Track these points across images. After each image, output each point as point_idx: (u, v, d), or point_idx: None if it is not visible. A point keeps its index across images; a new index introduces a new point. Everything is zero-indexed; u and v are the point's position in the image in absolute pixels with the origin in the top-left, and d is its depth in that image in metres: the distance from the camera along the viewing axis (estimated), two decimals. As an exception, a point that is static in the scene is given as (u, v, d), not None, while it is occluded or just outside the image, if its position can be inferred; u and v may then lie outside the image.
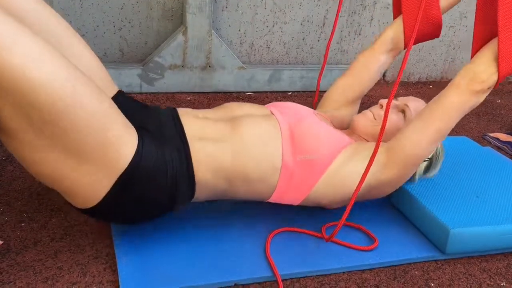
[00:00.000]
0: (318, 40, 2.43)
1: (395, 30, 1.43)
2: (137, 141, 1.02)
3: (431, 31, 1.39)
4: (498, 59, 1.11)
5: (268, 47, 2.36)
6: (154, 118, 1.17)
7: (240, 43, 2.31)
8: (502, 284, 1.21)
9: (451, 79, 2.84)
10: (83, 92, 0.92)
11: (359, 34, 2.50)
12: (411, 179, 1.34)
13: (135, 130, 1.04)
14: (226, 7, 2.21)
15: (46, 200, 1.32)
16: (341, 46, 2.49)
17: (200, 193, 1.13)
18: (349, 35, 2.48)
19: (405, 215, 1.39)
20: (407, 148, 1.17)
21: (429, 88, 2.59)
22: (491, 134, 2.09)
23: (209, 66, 2.19)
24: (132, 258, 1.12)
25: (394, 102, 1.33)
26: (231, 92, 2.25)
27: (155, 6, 2.12)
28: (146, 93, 2.12)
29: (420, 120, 1.18)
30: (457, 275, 1.22)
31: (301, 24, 2.37)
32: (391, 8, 2.49)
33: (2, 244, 1.14)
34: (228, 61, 2.20)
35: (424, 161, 1.31)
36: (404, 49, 1.46)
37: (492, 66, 1.12)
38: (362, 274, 1.19)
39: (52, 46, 0.93)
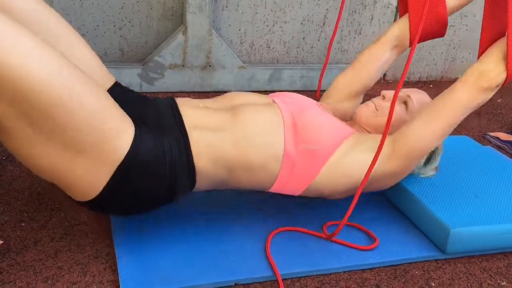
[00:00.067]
0: (319, 40, 2.43)
1: (401, 28, 1.43)
2: (133, 133, 1.02)
3: (436, 29, 1.39)
4: (507, 58, 1.11)
5: (268, 47, 2.36)
6: (152, 108, 1.16)
7: (240, 43, 2.31)
8: (502, 283, 1.21)
9: (451, 79, 2.83)
10: (81, 90, 0.92)
11: (360, 33, 2.49)
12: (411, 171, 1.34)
13: (131, 122, 1.04)
14: (226, 7, 2.21)
15: (46, 199, 1.32)
16: (341, 46, 2.49)
17: (201, 183, 1.13)
18: (349, 34, 2.48)
19: (405, 214, 1.39)
20: (412, 141, 1.17)
21: (429, 88, 2.59)
22: (492, 134, 2.09)
23: (209, 66, 2.19)
24: (132, 257, 1.12)
25: (394, 92, 1.33)
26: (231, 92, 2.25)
27: (155, 6, 2.12)
28: (146, 92, 2.12)
29: (426, 114, 1.18)
30: (458, 274, 1.22)
31: (301, 23, 2.36)
32: (391, 7, 2.49)
33: (2, 243, 1.14)
34: (228, 61, 2.20)
35: None
36: (409, 47, 1.46)
37: (501, 64, 1.12)
38: (363, 274, 1.18)
39: (50, 44, 0.93)
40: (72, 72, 0.92)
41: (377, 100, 1.34)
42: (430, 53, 2.67)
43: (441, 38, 2.62)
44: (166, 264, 1.11)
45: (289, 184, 1.19)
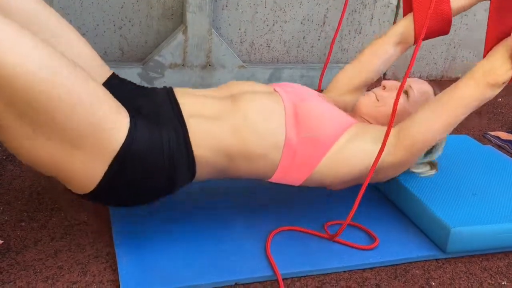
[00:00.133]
0: (319, 39, 2.43)
1: (405, 25, 1.43)
2: (128, 124, 1.01)
3: (441, 27, 1.40)
4: None
5: (269, 46, 2.36)
6: (149, 99, 1.15)
7: (241, 42, 2.31)
8: (503, 283, 1.21)
9: (451, 78, 2.83)
10: (79, 88, 0.92)
11: (360, 32, 2.49)
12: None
13: (126, 113, 1.03)
14: (226, 6, 2.21)
15: (46, 199, 1.31)
16: (342, 45, 2.49)
17: (201, 173, 1.12)
18: (349, 33, 2.48)
19: (405, 214, 1.39)
20: (417, 133, 1.17)
21: (430, 87, 2.59)
22: (492, 133, 2.09)
23: (209, 65, 2.19)
24: (133, 257, 1.12)
25: (397, 83, 1.33)
26: (231, 91, 2.25)
27: (155, 5, 2.12)
28: (146, 92, 2.12)
29: (432, 107, 1.17)
30: (458, 274, 1.22)
31: (302, 22, 2.36)
32: (391, 6, 2.49)
33: (2, 243, 1.14)
34: (228, 60, 2.20)
35: None
36: (414, 44, 1.46)
37: (508, 63, 1.13)
38: (363, 273, 1.18)
39: (50, 44, 0.93)
40: (71, 71, 0.92)
41: (378, 90, 1.34)
42: (430, 52, 2.67)
43: (441, 38, 2.63)
44: (166, 264, 1.11)
45: (290, 174, 1.18)
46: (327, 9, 2.37)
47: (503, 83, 1.14)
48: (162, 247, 1.16)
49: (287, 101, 1.19)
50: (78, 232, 1.21)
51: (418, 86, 1.32)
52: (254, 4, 2.24)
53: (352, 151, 1.18)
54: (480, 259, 1.29)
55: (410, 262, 1.24)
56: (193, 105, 1.15)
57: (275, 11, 2.29)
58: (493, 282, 1.21)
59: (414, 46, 1.62)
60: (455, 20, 2.61)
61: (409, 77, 1.36)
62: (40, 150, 0.95)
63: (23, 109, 0.88)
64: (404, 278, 1.18)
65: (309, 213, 1.35)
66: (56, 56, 0.91)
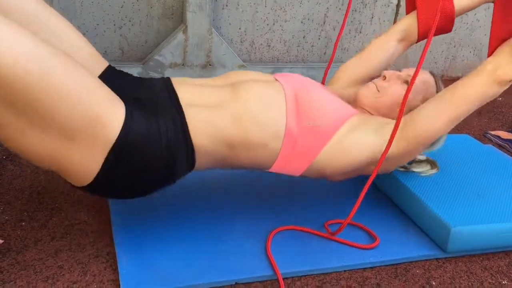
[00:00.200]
0: (319, 38, 2.43)
1: (409, 22, 1.44)
2: (124, 114, 1.01)
3: (444, 24, 1.40)
4: None
5: (269, 45, 2.36)
6: (146, 89, 1.15)
7: (241, 41, 2.31)
8: (503, 282, 1.21)
9: (452, 77, 2.83)
10: (63, 73, 0.91)
11: (360, 32, 2.49)
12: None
13: (122, 104, 1.02)
14: (227, 5, 2.21)
15: (47, 199, 1.31)
16: (342, 44, 2.49)
17: (200, 162, 1.11)
18: (349, 33, 2.48)
19: (406, 213, 1.39)
20: (421, 126, 1.16)
21: (430, 86, 2.59)
22: (492, 132, 2.09)
23: (210, 65, 2.19)
24: (133, 257, 1.12)
25: (397, 73, 1.33)
26: (231, 91, 2.25)
27: (155, 5, 2.12)
28: (146, 91, 2.12)
29: (438, 100, 1.17)
30: (459, 273, 1.22)
31: (302, 22, 2.36)
32: (392, 6, 2.48)
33: (3, 243, 1.14)
34: (228, 60, 2.20)
35: None
36: (417, 42, 1.48)
37: None
38: (363, 273, 1.18)
39: (51, 43, 0.93)
40: (64, 63, 0.91)
41: (378, 81, 1.33)
42: (430, 51, 2.66)
43: (441, 37, 2.62)
44: (167, 264, 1.11)
45: (290, 163, 1.18)
46: (328, 8, 2.37)
47: (510, 80, 1.14)
48: (162, 247, 1.16)
49: (288, 90, 1.18)
50: (78, 231, 1.20)
51: (419, 76, 1.32)
52: (254, 4, 2.24)
53: (352, 142, 1.17)
54: (481, 258, 1.29)
55: (411, 262, 1.24)
56: (191, 94, 1.14)
57: (275, 11, 2.29)
58: (493, 282, 1.21)
59: (417, 44, 1.63)
60: (455, 20, 2.61)
61: (408, 68, 1.36)
62: (37, 144, 0.95)
63: (19, 105, 0.88)
64: (405, 277, 1.18)
65: (309, 213, 1.35)
66: (48, 48, 0.90)
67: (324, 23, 2.40)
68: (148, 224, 1.23)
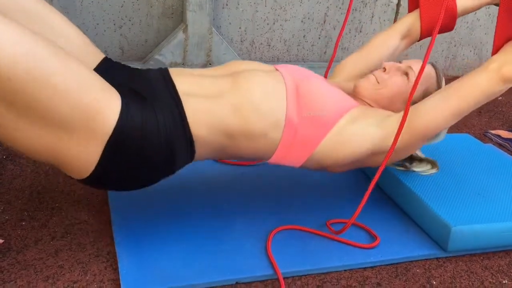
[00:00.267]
0: (319, 38, 2.43)
1: (412, 20, 1.44)
2: (120, 105, 1.00)
3: (447, 22, 1.41)
4: None
5: (269, 45, 2.35)
6: (143, 80, 1.14)
7: (241, 41, 2.30)
8: (504, 281, 1.21)
9: (452, 76, 2.83)
10: (55, 65, 0.90)
11: (360, 31, 2.49)
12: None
13: (118, 95, 1.01)
14: (227, 5, 2.21)
15: (47, 198, 1.31)
16: (342, 44, 2.49)
17: (200, 152, 1.11)
18: (349, 32, 2.48)
19: (406, 212, 1.39)
20: (424, 119, 1.16)
21: (430, 85, 2.59)
22: (493, 131, 2.08)
23: (210, 64, 2.19)
24: (133, 256, 1.12)
25: (397, 64, 1.33)
26: (231, 90, 2.25)
27: (155, 4, 2.12)
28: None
29: (442, 94, 1.17)
30: (459, 272, 1.22)
31: (302, 21, 2.36)
32: (392, 5, 2.48)
33: (3, 242, 1.14)
34: (228, 59, 2.20)
35: None
36: (419, 40, 1.48)
37: None
38: (364, 272, 1.18)
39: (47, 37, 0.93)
40: (56, 54, 0.91)
41: (378, 72, 1.33)
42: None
43: (442, 36, 2.62)
44: (167, 263, 1.11)
45: (290, 154, 1.17)
46: (328, 7, 2.37)
47: None
48: (162, 246, 1.16)
49: (289, 80, 1.18)
50: (78, 231, 1.20)
51: (417, 67, 1.32)
52: (254, 3, 2.24)
53: (353, 134, 1.17)
54: (481, 257, 1.29)
55: (411, 261, 1.24)
56: (190, 84, 1.13)
57: (276, 10, 2.29)
58: (494, 281, 1.21)
59: (417, 44, 1.63)
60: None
61: (408, 60, 1.36)
62: (33, 139, 0.94)
63: (10, 98, 0.88)
64: (405, 277, 1.18)
65: (309, 212, 1.35)
66: (39, 40, 0.90)
67: (324, 22, 2.40)
68: (149, 224, 1.23)
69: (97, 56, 1.18)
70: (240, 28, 2.28)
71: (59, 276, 1.06)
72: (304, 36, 2.40)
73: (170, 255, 1.14)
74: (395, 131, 1.17)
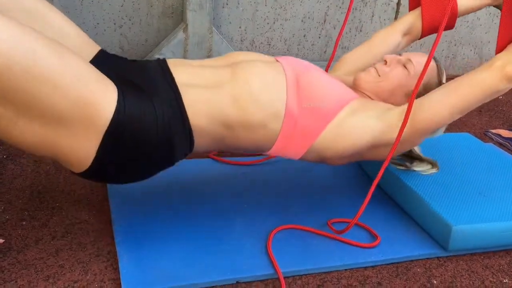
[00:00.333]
0: (319, 37, 2.43)
1: (413, 18, 1.45)
2: (116, 96, 0.99)
3: (448, 21, 1.42)
4: None
5: (269, 44, 2.35)
6: (141, 71, 1.13)
7: (241, 40, 2.30)
8: (504, 280, 1.21)
9: (452, 75, 2.84)
10: (49, 58, 0.90)
11: (360, 30, 2.49)
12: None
13: (114, 86, 1.01)
14: (227, 4, 2.21)
15: (47, 198, 1.31)
16: (342, 43, 2.49)
17: (199, 142, 1.10)
18: (350, 31, 2.48)
19: (407, 212, 1.39)
20: (427, 113, 1.16)
21: (431, 85, 2.59)
22: (493, 131, 2.08)
23: (210, 63, 2.18)
24: (134, 256, 1.12)
25: (398, 57, 1.33)
26: (232, 89, 2.25)
27: (155, 3, 2.11)
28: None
29: (445, 89, 1.17)
30: (460, 272, 1.22)
31: (302, 20, 2.36)
32: (392, 4, 2.48)
33: (4, 242, 1.14)
34: (229, 58, 2.20)
35: None
36: (420, 38, 1.49)
37: None
38: (364, 271, 1.18)
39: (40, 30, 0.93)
40: (49, 47, 0.90)
41: (379, 65, 1.33)
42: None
43: (442, 35, 2.62)
44: (168, 262, 1.11)
45: (290, 145, 1.17)
46: (328, 6, 2.37)
47: None
48: (163, 246, 1.16)
49: (289, 71, 1.17)
50: (79, 231, 1.20)
51: (417, 59, 1.32)
52: (254, 2, 2.24)
53: (353, 126, 1.17)
54: (482, 257, 1.28)
55: (412, 260, 1.24)
56: (188, 74, 1.13)
57: (276, 9, 2.29)
58: (494, 280, 1.21)
59: (418, 43, 1.63)
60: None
61: (407, 52, 1.37)
62: (30, 133, 0.94)
63: (9, 97, 0.88)
64: (406, 276, 1.18)
65: (309, 212, 1.35)
66: (39, 39, 0.90)
67: (324, 21, 2.40)
68: (149, 223, 1.23)
69: (93, 48, 1.17)
70: (240, 27, 2.27)
71: (60, 275, 1.06)
72: (304, 36, 2.40)
73: (171, 254, 1.14)
74: (396, 124, 1.17)
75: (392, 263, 1.22)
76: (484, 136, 2.04)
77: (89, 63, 0.99)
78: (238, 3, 2.22)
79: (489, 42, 2.78)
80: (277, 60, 1.22)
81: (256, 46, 2.33)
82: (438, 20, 1.42)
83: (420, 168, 1.44)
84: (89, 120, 0.96)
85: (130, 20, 2.11)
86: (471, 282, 1.19)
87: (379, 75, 1.30)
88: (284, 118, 1.13)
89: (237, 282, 1.10)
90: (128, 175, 1.09)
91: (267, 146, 1.17)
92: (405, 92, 1.29)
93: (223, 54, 2.15)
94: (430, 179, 1.42)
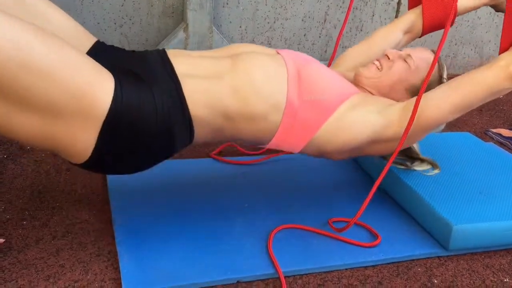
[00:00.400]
0: (320, 36, 2.43)
1: (414, 16, 1.46)
2: (113, 86, 0.99)
3: (447, 18, 1.42)
4: None
5: (269, 44, 2.35)
6: (140, 61, 1.13)
7: (241, 39, 2.30)
8: (505, 280, 1.21)
9: (453, 75, 2.84)
10: (43, 50, 0.90)
11: (361, 30, 2.49)
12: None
13: (111, 76, 1.00)
14: (227, 4, 2.20)
15: (48, 198, 1.31)
16: (343, 42, 2.49)
17: (199, 133, 1.10)
18: (350, 31, 2.47)
19: (407, 211, 1.39)
20: (429, 110, 1.16)
21: (431, 84, 2.59)
22: (494, 130, 2.08)
23: (210, 63, 2.18)
24: (134, 255, 1.12)
25: (399, 52, 1.33)
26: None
27: (156, 3, 2.11)
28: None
29: (447, 86, 1.17)
30: (460, 271, 1.22)
31: (302, 20, 2.36)
32: (392, 3, 2.48)
33: (4, 242, 1.14)
34: (229, 58, 2.20)
35: None
36: (420, 36, 1.50)
37: None
38: (365, 271, 1.18)
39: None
40: (43, 39, 0.90)
41: (382, 60, 1.33)
42: (432, 49, 2.66)
43: (442, 34, 2.62)
44: (168, 262, 1.11)
45: (290, 138, 1.16)
46: (328, 6, 2.37)
47: None
48: (163, 246, 1.16)
49: (290, 63, 1.17)
50: (79, 230, 1.20)
51: (417, 54, 1.32)
52: (255, 2, 2.24)
53: (353, 120, 1.17)
54: (483, 256, 1.28)
55: (412, 260, 1.23)
56: (188, 65, 1.13)
57: (276, 9, 2.29)
58: (495, 279, 1.21)
59: (417, 42, 1.62)
60: (456, 17, 2.60)
61: (407, 48, 1.37)
62: (27, 126, 0.94)
63: (6, 91, 0.88)
64: (406, 275, 1.18)
65: (310, 211, 1.35)
66: (39, 35, 0.89)
67: (324, 21, 2.40)
68: (150, 223, 1.23)
69: (90, 40, 1.17)
70: (240, 27, 2.27)
71: (60, 275, 1.06)
72: (304, 35, 2.40)
73: (171, 254, 1.14)
74: (398, 119, 1.17)
75: (392, 263, 1.22)
76: (484, 135, 2.04)
77: (86, 54, 0.99)
78: (239, 3, 2.22)
79: (489, 41, 2.77)
80: (278, 53, 1.22)
81: (256, 46, 2.33)
82: (439, 18, 1.43)
83: (421, 168, 1.44)
84: (87, 111, 0.96)
85: (130, 19, 2.11)
86: (471, 282, 1.19)
87: (380, 70, 1.31)
88: (285, 110, 1.13)
89: (238, 282, 1.10)
90: (127, 165, 1.08)
91: (267, 138, 1.16)
92: (405, 86, 1.29)
93: (224, 53, 2.16)
94: (430, 178, 1.42)
